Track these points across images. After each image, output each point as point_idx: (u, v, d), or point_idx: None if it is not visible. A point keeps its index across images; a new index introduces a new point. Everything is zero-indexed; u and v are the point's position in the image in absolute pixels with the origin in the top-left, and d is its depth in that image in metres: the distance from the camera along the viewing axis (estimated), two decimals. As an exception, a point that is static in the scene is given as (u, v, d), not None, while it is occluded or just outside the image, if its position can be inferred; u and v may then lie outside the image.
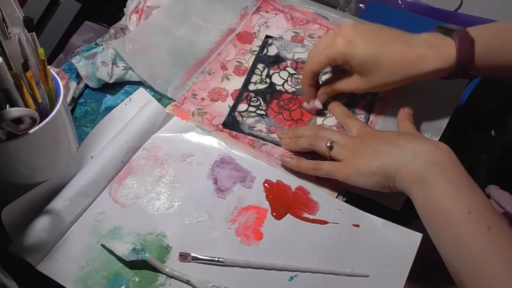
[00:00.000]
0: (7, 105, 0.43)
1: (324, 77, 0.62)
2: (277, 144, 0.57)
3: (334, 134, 0.53)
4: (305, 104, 0.60)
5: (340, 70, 0.59)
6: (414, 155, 0.46)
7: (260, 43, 0.67)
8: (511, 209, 0.50)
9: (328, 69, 0.62)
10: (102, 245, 0.47)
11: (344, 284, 0.46)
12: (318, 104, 0.58)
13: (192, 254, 0.46)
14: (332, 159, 0.52)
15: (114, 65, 0.62)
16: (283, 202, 0.51)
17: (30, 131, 0.44)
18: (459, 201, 0.43)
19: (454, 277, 0.43)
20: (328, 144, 0.52)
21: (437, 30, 0.54)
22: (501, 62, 0.51)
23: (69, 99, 0.59)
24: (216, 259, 0.46)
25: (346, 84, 0.57)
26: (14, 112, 0.41)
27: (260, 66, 0.64)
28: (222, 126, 0.58)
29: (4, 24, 0.41)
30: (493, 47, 0.50)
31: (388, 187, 0.48)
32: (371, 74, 0.53)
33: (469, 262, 0.41)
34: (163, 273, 0.45)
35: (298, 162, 0.53)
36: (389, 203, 0.52)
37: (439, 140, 0.57)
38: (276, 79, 0.63)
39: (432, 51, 0.51)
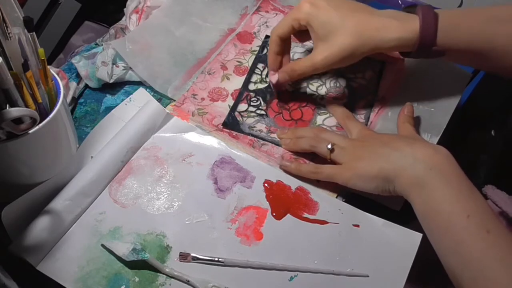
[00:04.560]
0: (7, 105, 0.43)
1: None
2: (277, 144, 0.57)
3: (334, 136, 0.53)
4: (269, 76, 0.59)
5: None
6: (413, 159, 0.46)
7: (260, 43, 0.67)
8: (507, 208, 0.50)
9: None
10: (102, 245, 0.47)
11: (344, 284, 0.46)
12: (274, 78, 0.58)
13: (192, 254, 0.47)
14: (332, 161, 0.52)
15: (114, 65, 0.62)
16: (283, 202, 0.51)
17: (30, 131, 0.44)
18: (458, 205, 0.43)
19: (453, 280, 0.43)
20: (329, 147, 0.51)
21: (403, 10, 0.55)
22: (464, 44, 0.51)
23: (69, 99, 0.59)
24: (216, 259, 0.46)
25: (306, 59, 0.55)
26: (14, 112, 0.41)
27: (260, 65, 0.64)
28: (222, 126, 0.58)
29: (4, 24, 0.41)
30: (457, 26, 0.51)
31: (388, 191, 0.48)
32: (334, 37, 0.52)
33: (468, 265, 0.41)
34: (163, 273, 0.45)
35: (298, 166, 0.53)
36: (389, 203, 0.52)
37: (439, 139, 0.57)
38: (276, 79, 0.63)
39: (396, 21, 0.51)
